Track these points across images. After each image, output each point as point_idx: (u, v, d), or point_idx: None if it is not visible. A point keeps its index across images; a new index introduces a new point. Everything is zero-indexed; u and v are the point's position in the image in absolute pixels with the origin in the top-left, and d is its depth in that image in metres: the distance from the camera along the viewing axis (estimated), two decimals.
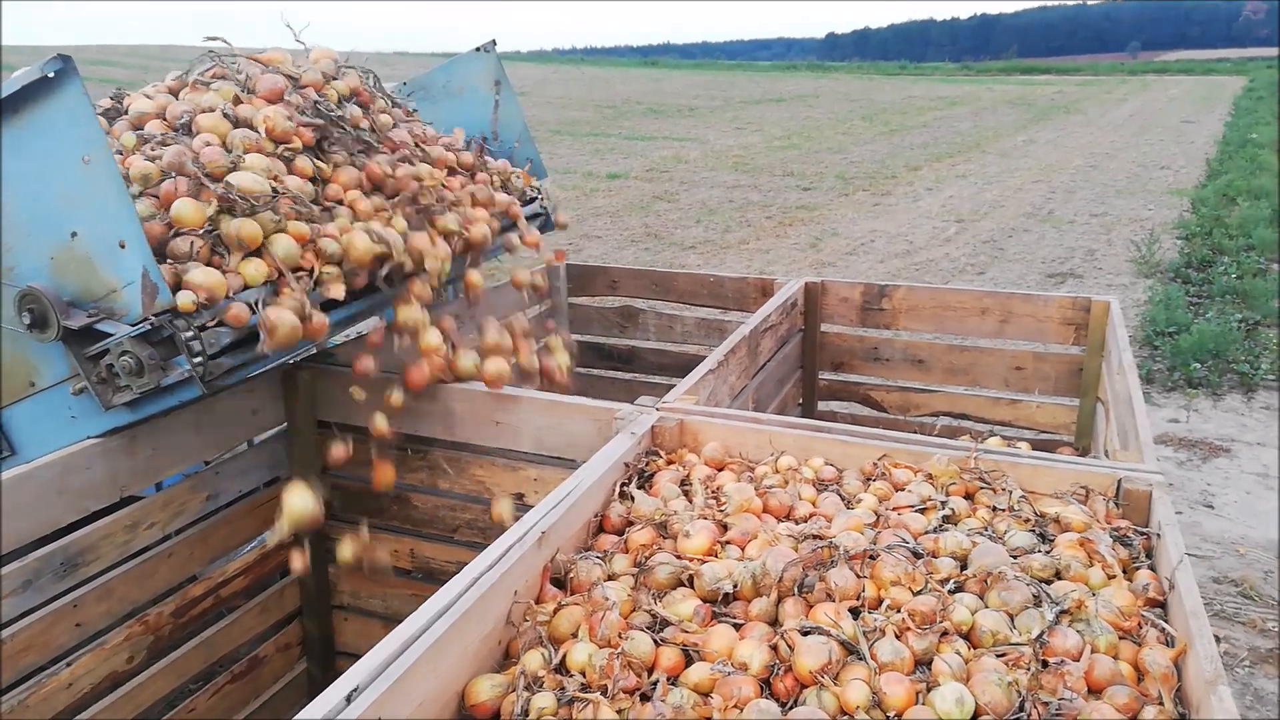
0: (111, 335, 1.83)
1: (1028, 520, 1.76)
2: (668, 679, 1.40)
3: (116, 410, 1.94)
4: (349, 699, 1.20)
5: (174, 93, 2.36)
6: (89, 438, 2.03)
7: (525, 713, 1.37)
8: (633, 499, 1.86)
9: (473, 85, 3.09)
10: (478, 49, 3.13)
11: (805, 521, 1.78)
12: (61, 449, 1.99)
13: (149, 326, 1.81)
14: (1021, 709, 1.30)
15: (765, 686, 1.38)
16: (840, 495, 1.91)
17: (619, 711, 1.34)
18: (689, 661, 1.44)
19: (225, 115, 2.21)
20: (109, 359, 1.85)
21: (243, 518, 2.52)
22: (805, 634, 1.42)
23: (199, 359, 1.86)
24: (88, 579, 2.10)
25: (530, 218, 2.98)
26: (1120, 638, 1.45)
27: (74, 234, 1.82)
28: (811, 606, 1.50)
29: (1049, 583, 1.57)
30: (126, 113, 2.26)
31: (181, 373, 1.86)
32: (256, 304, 1.95)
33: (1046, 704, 1.30)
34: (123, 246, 1.78)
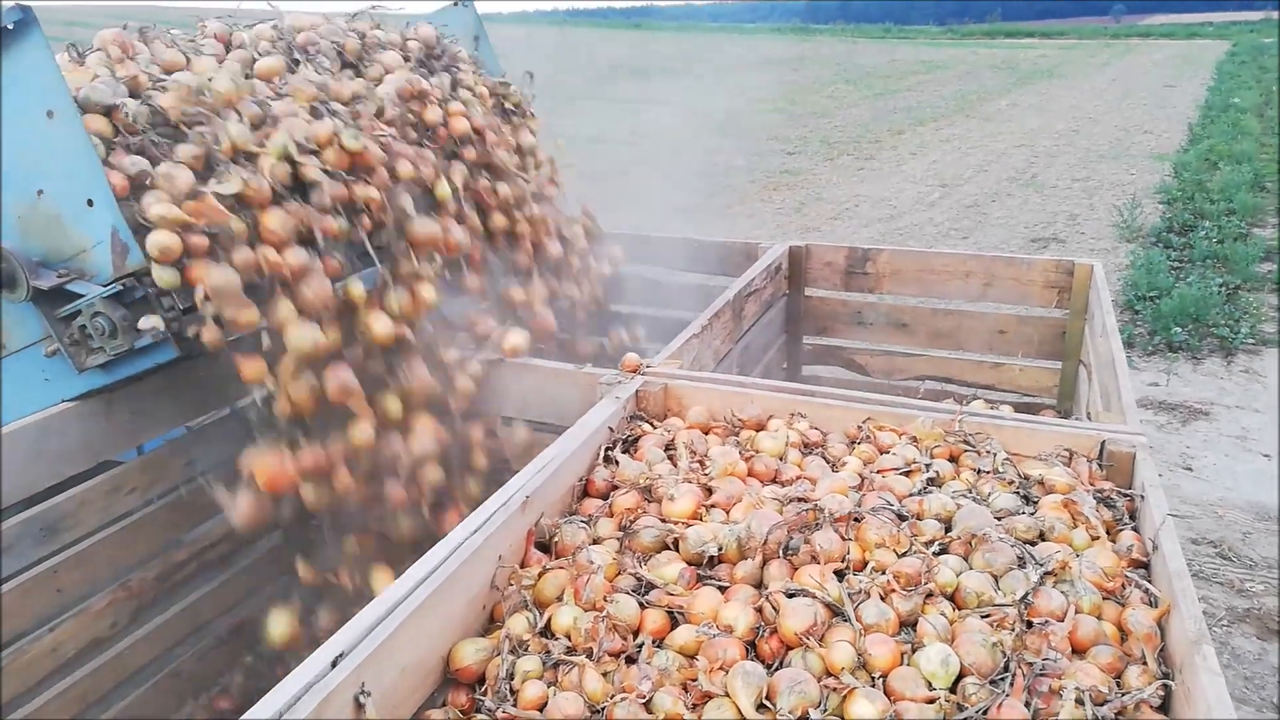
0: (83, 296, 1.79)
1: (1012, 482, 1.76)
2: (653, 642, 1.40)
3: (90, 373, 1.91)
4: (334, 664, 1.19)
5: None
6: (64, 401, 1.99)
7: (510, 676, 1.36)
8: (617, 463, 1.84)
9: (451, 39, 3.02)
10: (455, 3, 3.07)
11: (790, 485, 1.77)
12: (36, 412, 1.96)
13: (121, 287, 1.77)
14: (1006, 669, 1.30)
15: (750, 648, 1.38)
16: (825, 458, 1.91)
17: (604, 674, 1.34)
18: (674, 624, 1.44)
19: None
20: (81, 320, 1.81)
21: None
22: (790, 596, 1.41)
23: (174, 320, 1.82)
24: (67, 545, 2.07)
25: None
26: (1104, 598, 1.46)
27: (40, 192, 1.77)
28: (796, 569, 1.50)
29: (1033, 544, 1.57)
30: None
31: (156, 334, 1.82)
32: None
33: (1031, 664, 1.31)
34: (90, 204, 1.73)
